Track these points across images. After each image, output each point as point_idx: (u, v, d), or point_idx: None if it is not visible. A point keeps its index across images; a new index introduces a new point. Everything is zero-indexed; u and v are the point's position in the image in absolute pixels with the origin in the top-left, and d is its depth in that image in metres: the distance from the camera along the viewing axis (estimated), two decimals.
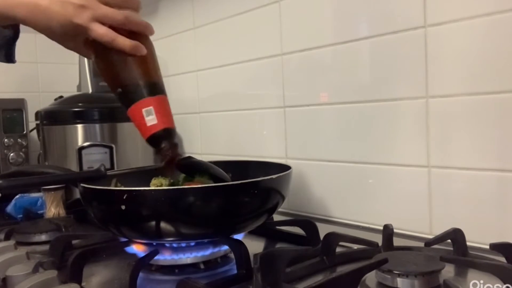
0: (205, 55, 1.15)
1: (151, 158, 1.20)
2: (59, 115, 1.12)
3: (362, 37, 0.79)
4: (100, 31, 0.56)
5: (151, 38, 0.65)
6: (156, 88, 0.59)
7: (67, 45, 0.61)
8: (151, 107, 0.56)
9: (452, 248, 0.61)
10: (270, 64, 0.96)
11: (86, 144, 1.07)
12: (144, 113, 0.55)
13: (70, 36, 0.58)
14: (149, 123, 0.56)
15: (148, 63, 0.59)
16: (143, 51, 0.58)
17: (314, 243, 0.67)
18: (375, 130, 0.79)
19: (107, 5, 0.58)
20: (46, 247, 0.71)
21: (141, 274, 0.55)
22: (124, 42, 0.57)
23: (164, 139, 0.58)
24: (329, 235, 0.60)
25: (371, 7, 0.78)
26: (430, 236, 0.65)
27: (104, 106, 1.12)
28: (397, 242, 0.64)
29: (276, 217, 0.77)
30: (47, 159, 1.15)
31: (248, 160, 0.83)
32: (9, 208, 0.98)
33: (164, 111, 0.58)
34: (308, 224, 0.71)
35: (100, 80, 1.30)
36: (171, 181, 0.74)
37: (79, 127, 1.08)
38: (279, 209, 0.68)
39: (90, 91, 1.32)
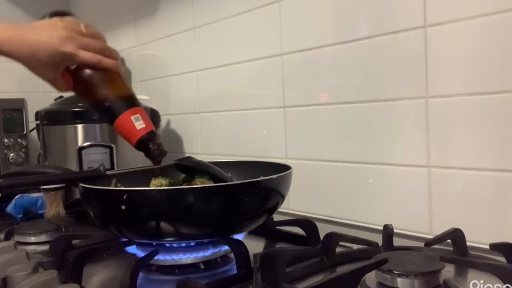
0: (205, 55, 1.15)
1: None
2: (59, 115, 1.12)
3: (362, 37, 0.79)
4: (87, 55, 0.65)
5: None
6: (136, 100, 0.69)
7: (46, 75, 0.66)
8: (138, 115, 0.65)
9: (452, 248, 0.61)
10: (270, 64, 0.96)
11: (86, 144, 1.07)
12: (133, 120, 0.65)
13: (53, 65, 0.64)
14: (138, 127, 0.65)
15: (124, 80, 0.69)
16: (122, 68, 0.69)
17: (314, 243, 0.67)
18: (375, 130, 0.79)
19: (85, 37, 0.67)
20: (46, 247, 0.71)
21: (141, 274, 0.55)
22: (109, 61, 0.67)
23: (152, 139, 0.66)
24: (329, 235, 0.60)
25: (371, 7, 0.78)
26: (430, 236, 0.65)
27: None
28: (397, 242, 0.64)
29: (276, 217, 0.77)
30: (47, 159, 1.15)
31: (248, 160, 0.83)
32: (9, 208, 0.98)
33: (147, 117, 0.67)
34: (308, 224, 0.71)
35: None
36: (171, 181, 0.74)
37: (79, 127, 1.08)
38: (279, 209, 0.68)
39: None
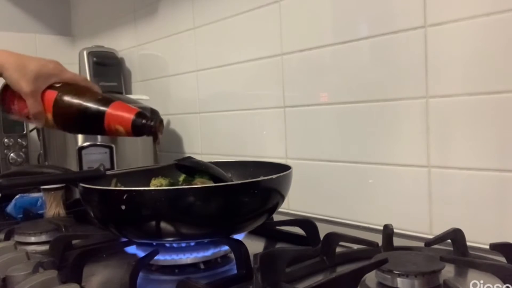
0: (205, 55, 1.15)
1: (151, 158, 1.20)
2: None
3: (362, 37, 0.79)
4: (73, 73, 0.71)
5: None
6: None
7: (28, 86, 0.66)
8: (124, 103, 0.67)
9: (452, 248, 0.61)
10: (270, 64, 0.96)
11: (86, 144, 1.07)
12: (125, 103, 0.66)
13: (39, 77, 0.67)
14: (133, 107, 0.65)
15: None
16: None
17: (314, 243, 0.67)
18: (375, 130, 0.79)
19: None
20: (46, 247, 0.71)
21: (141, 274, 0.55)
22: (92, 83, 0.73)
23: (144, 117, 0.66)
24: (329, 235, 0.60)
25: (371, 7, 0.78)
26: (430, 236, 0.65)
27: None
28: (397, 242, 0.64)
29: (276, 217, 0.77)
30: (47, 159, 1.15)
31: (248, 160, 0.83)
32: (9, 208, 0.98)
33: None
34: (308, 224, 0.71)
35: (100, 80, 1.30)
36: (171, 181, 0.74)
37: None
38: (279, 209, 0.68)
39: None
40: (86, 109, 0.65)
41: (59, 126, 0.69)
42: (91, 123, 0.66)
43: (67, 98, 0.67)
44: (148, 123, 0.64)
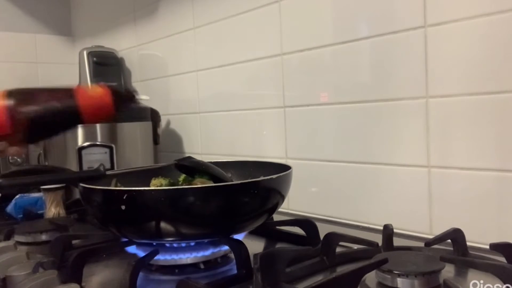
0: (205, 55, 1.15)
1: (151, 158, 1.20)
2: None
3: (362, 37, 0.79)
4: None
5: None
6: None
7: None
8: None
9: (452, 248, 0.61)
10: (270, 64, 0.96)
11: (86, 144, 1.07)
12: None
13: None
14: (98, 86, 0.64)
15: None
16: None
17: (314, 243, 0.67)
18: (375, 130, 0.79)
19: None
20: (46, 247, 0.71)
21: (141, 274, 0.55)
22: None
23: (117, 92, 0.64)
24: (329, 235, 0.60)
25: (371, 7, 0.78)
26: (430, 236, 0.65)
27: None
28: (397, 242, 0.64)
29: (276, 217, 0.77)
30: (47, 159, 1.15)
31: (248, 160, 0.83)
32: (9, 208, 0.98)
33: None
34: (308, 224, 0.71)
35: (100, 80, 1.30)
36: (171, 181, 0.74)
37: (79, 127, 1.08)
38: (279, 209, 0.68)
39: None
40: (55, 108, 0.61)
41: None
42: (65, 120, 0.63)
43: (27, 105, 0.62)
44: (126, 92, 0.63)
